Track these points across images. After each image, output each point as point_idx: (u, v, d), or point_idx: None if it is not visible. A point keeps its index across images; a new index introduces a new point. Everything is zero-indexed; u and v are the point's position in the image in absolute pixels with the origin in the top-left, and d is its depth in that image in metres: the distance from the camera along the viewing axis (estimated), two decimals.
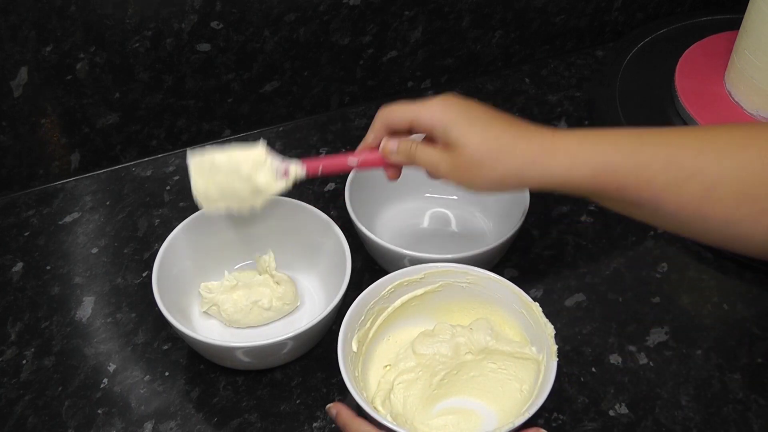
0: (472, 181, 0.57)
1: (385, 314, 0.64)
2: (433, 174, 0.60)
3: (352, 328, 0.61)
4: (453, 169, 0.58)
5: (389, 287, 0.63)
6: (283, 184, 0.63)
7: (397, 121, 0.61)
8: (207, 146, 0.64)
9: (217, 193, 0.63)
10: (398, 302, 0.65)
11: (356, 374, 0.60)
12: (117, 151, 0.88)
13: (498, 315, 0.65)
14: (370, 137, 0.63)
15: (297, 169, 0.62)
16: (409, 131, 0.61)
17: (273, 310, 0.70)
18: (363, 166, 0.64)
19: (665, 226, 0.58)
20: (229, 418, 0.65)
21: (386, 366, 0.64)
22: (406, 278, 0.64)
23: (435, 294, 0.66)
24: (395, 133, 0.62)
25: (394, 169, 0.64)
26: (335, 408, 0.58)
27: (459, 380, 0.63)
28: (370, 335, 0.64)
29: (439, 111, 0.58)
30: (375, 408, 0.58)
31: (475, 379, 0.63)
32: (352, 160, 0.63)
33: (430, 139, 0.60)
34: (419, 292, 0.65)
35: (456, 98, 0.59)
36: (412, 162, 0.60)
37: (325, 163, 0.63)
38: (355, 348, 0.61)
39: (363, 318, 0.62)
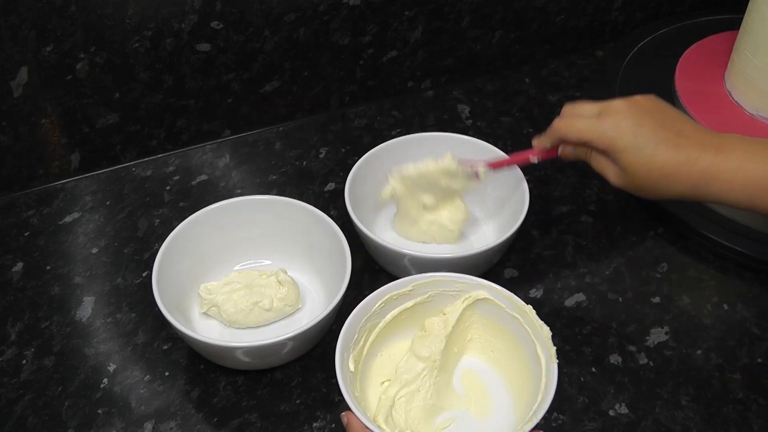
0: (639, 193, 0.65)
1: (377, 330, 0.64)
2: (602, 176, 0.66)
3: (347, 347, 0.60)
4: (622, 183, 0.64)
5: (379, 302, 0.63)
6: (475, 183, 0.74)
7: (573, 139, 0.66)
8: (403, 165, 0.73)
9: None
10: (389, 316, 0.64)
11: (356, 394, 0.59)
12: (117, 151, 0.88)
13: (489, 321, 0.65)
14: (546, 144, 0.69)
15: (484, 171, 0.72)
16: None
17: (274, 311, 0.70)
18: (542, 159, 0.71)
19: None
20: (229, 418, 0.65)
21: (383, 382, 0.63)
22: (395, 292, 0.63)
23: (425, 305, 0.65)
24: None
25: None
26: (347, 417, 0.57)
27: (463, 350, 0.64)
28: (364, 353, 0.63)
29: (611, 133, 0.63)
30: (380, 426, 0.58)
31: (477, 341, 0.65)
32: (533, 157, 0.71)
33: None
34: (409, 304, 0.65)
35: (629, 111, 0.63)
36: (586, 161, 0.67)
37: (506, 162, 0.73)
38: (352, 368, 0.61)
39: (356, 336, 0.62)
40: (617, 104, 0.64)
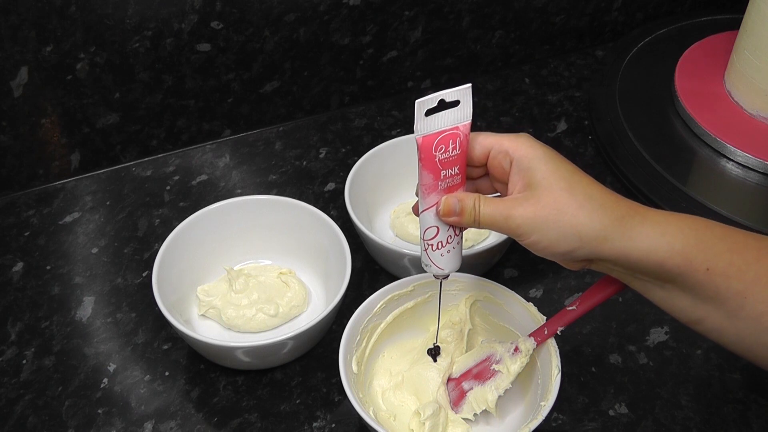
0: (546, 232, 0.50)
1: (378, 331, 0.64)
2: (501, 228, 0.52)
3: (350, 349, 0.61)
4: (528, 217, 0.50)
5: (380, 303, 0.63)
6: (521, 361, 0.60)
7: (472, 150, 0.54)
8: None
9: None
10: (390, 317, 0.65)
11: (360, 395, 0.59)
12: (117, 151, 0.88)
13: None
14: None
15: (527, 344, 0.60)
16: (484, 167, 0.55)
17: (280, 317, 0.70)
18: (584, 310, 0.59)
19: (736, 337, 0.50)
20: (229, 418, 0.65)
21: (416, 411, 0.62)
22: (396, 292, 0.64)
23: (425, 305, 0.66)
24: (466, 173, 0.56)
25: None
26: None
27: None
28: (367, 354, 0.63)
29: (525, 143, 0.52)
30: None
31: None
32: (570, 308, 0.59)
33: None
34: (410, 304, 0.65)
35: (536, 140, 0.53)
36: (476, 222, 0.53)
37: (550, 327, 0.59)
38: (355, 369, 0.61)
39: (359, 338, 0.62)
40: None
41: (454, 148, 0.53)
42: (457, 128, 0.52)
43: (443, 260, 0.57)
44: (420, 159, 0.53)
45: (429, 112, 0.52)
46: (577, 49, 1.03)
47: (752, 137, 0.82)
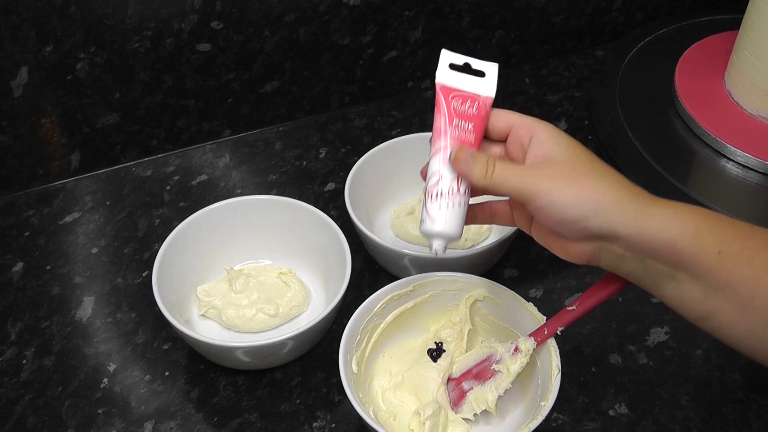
0: (564, 193, 0.50)
1: (378, 331, 0.64)
2: (515, 185, 0.52)
3: (350, 349, 0.61)
4: (547, 176, 0.51)
5: (381, 303, 0.63)
6: (521, 361, 0.59)
7: (495, 121, 0.55)
8: None
9: None
10: (390, 317, 0.65)
11: (360, 395, 0.59)
12: (117, 151, 0.88)
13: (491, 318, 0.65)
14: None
15: (527, 344, 0.59)
16: (502, 144, 0.56)
17: (280, 317, 0.70)
18: (585, 310, 0.58)
19: (747, 332, 0.49)
20: (229, 418, 0.65)
21: (416, 411, 0.62)
22: (396, 292, 0.64)
23: (425, 305, 0.66)
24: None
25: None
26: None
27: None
28: (367, 354, 0.63)
29: (548, 127, 0.53)
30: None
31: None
32: (570, 308, 0.58)
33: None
34: (410, 304, 0.65)
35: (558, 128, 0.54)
36: (488, 176, 0.52)
37: (550, 327, 0.59)
38: (355, 369, 0.61)
39: (359, 338, 0.62)
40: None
41: (470, 107, 0.53)
42: (478, 95, 0.53)
43: (439, 214, 0.52)
44: (436, 102, 0.53)
45: (453, 68, 0.54)
46: (577, 49, 1.03)
47: (752, 137, 0.82)
